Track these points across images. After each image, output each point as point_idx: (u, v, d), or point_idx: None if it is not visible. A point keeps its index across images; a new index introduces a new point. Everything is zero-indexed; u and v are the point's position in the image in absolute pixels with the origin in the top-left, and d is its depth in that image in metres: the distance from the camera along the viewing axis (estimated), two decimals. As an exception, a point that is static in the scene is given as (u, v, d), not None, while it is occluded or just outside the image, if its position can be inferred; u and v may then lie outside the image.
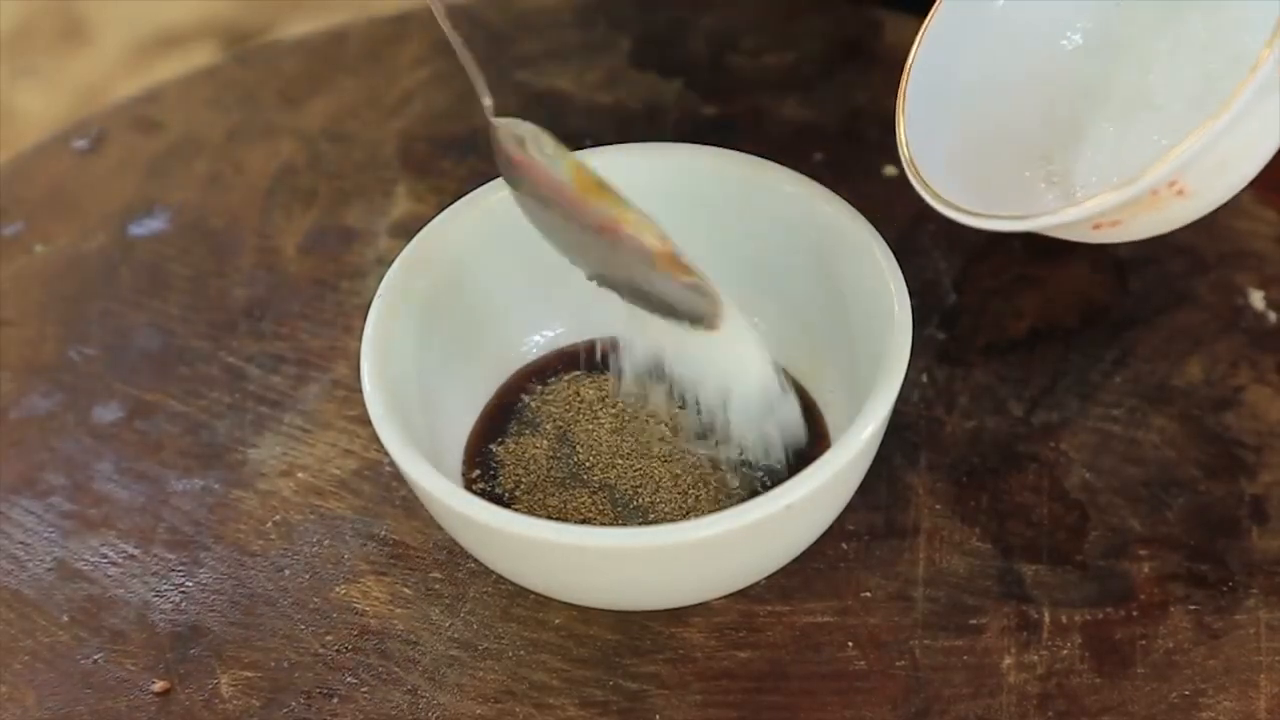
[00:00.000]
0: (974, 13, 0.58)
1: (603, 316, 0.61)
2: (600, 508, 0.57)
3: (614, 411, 0.59)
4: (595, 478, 0.58)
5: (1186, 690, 0.55)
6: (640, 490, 0.57)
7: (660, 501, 0.57)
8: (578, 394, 0.60)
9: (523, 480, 0.58)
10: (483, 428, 0.60)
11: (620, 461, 0.58)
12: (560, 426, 0.59)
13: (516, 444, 0.59)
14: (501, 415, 0.60)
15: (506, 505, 0.56)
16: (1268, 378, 0.63)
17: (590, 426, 0.59)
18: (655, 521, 0.56)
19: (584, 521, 0.56)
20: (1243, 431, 0.62)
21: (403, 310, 0.57)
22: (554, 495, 0.57)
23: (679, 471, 0.57)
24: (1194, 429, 0.62)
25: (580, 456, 0.58)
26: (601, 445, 0.58)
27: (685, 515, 0.56)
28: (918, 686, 0.55)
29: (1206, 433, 0.62)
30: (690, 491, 0.57)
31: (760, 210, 0.60)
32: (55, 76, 1.43)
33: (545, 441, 0.59)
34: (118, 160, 0.75)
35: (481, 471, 0.58)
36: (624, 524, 0.56)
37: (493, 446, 0.59)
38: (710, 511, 0.55)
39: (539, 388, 0.61)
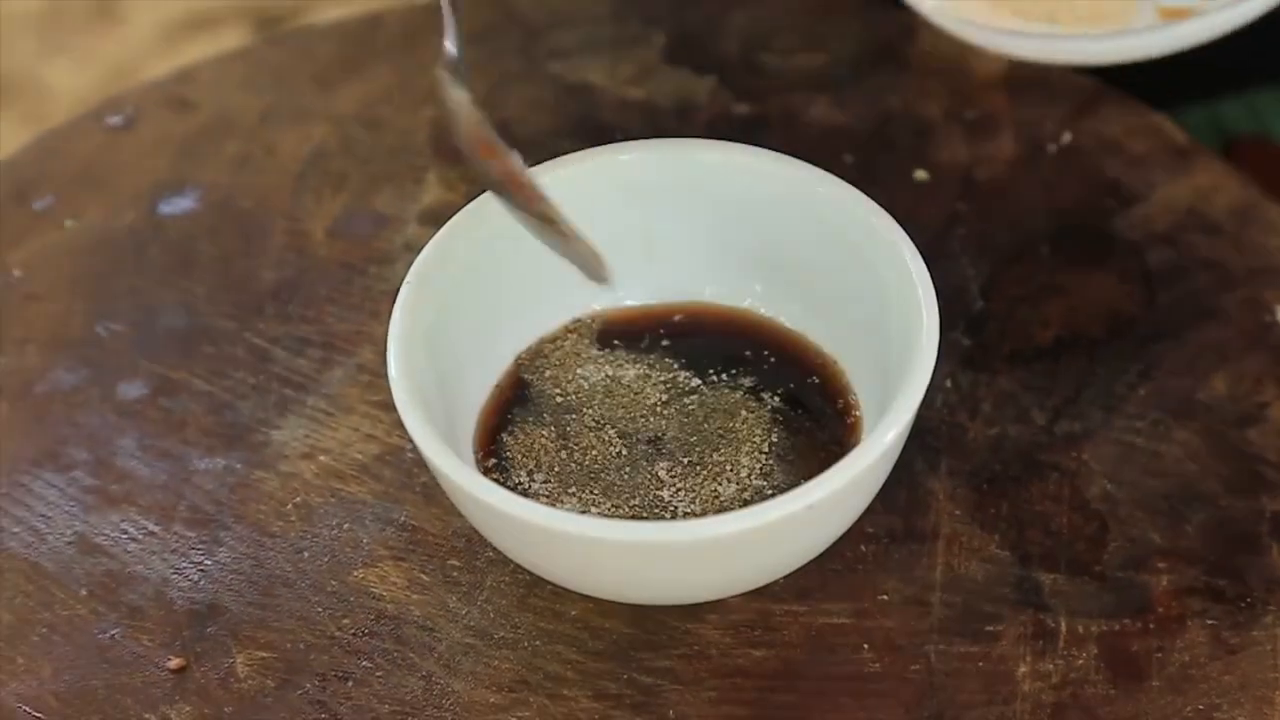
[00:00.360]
0: None
1: (628, 309, 0.62)
2: (620, 501, 0.57)
3: (638, 403, 0.59)
4: (615, 471, 0.58)
5: (1201, 705, 0.55)
6: (663, 485, 0.57)
7: (681, 495, 0.57)
8: (600, 385, 0.60)
9: (541, 470, 0.58)
10: (503, 416, 0.60)
11: (643, 455, 0.58)
12: (581, 417, 0.59)
13: (536, 433, 0.59)
14: (523, 404, 0.60)
15: (525, 494, 0.56)
16: (1292, 395, 0.63)
17: (612, 418, 0.59)
18: (676, 517, 0.56)
19: (603, 515, 0.56)
20: (1266, 448, 0.61)
21: (430, 298, 0.57)
22: (572, 486, 0.57)
23: (701, 465, 0.57)
24: (1217, 444, 0.62)
25: (600, 448, 0.58)
26: (622, 438, 0.58)
27: (705, 511, 0.56)
28: (932, 691, 0.55)
29: (1229, 448, 0.61)
30: (709, 485, 0.57)
31: (791, 210, 0.60)
32: (86, 54, 1.44)
33: (565, 432, 0.59)
34: (150, 139, 0.75)
35: (498, 460, 0.58)
36: (645, 518, 0.56)
37: (511, 436, 0.59)
38: (731, 509, 0.55)
39: (561, 378, 0.61)
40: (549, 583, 0.57)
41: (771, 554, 0.54)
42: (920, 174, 0.71)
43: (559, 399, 0.60)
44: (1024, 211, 0.70)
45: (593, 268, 0.57)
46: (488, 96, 0.75)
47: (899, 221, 0.58)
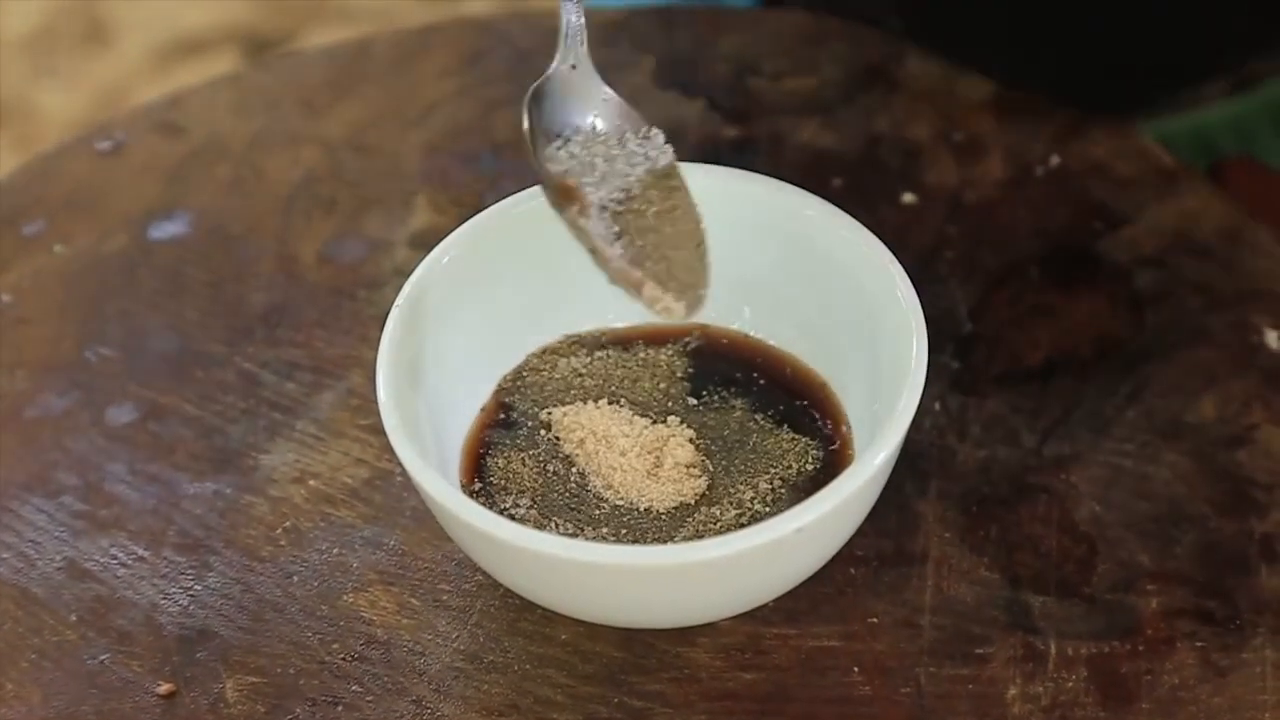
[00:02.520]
0: None
1: (615, 336, 0.62)
2: (609, 526, 0.57)
3: (623, 430, 0.59)
4: (603, 495, 0.58)
5: (1191, 727, 0.55)
6: (649, 509, 0.57)
7: (671, 518, 0.57)
8: (589, 408, 0.60)
9: (528, 493, 0.58)
10: (492, 440, 0.60)
11: (630, 480, 0.58)
12: (570, 440, 0.59)
13: (524, 457, 0.59)
14: (512, 428, 0.60)
15: (514, 518, 0.56)
16: (1280, 417, 0.63)
17: (598, 444, 0.59)
18: (666, 540, 0.56)
19: (593, 538, 0.56)
20: (1255, 470, 0.62)
21: (419, 322, 0.57)
22: (560, 509, 0.57)
23: (689, 491, 0.57)
24: (1206, 466, 0.62)
25: (589, 474, 0.58)
26: (612, 464, 0.58)
27: (697, 534, 0.56)
28: (922, 714, 0.55)
29: (1218, 470, 0.62)
30: (701, 508, 0.57)
31: (780, 233, 0.60)
32: (77, 79, 1.44)
33: (553, 455, 0.59)
34: (140, 163, 0.75)
35: (486, 483, 0.58)
36: (633, 542, 0.56)
37: (499, 459, 0.59)
38: (724, 531, 0.55)
39: (549, 401, 0.61)
40: (539, 607, 0.57)
41: (761, 577, 0.54)
42: (908, 197, 0.71)
43: (547, 421, 0.60)
44: (1012, 234, 0.70)
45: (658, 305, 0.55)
46: (479, 121, 0.75)
47: (887, 244, 0.58)
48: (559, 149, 0.56)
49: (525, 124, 0.55)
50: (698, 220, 0.56)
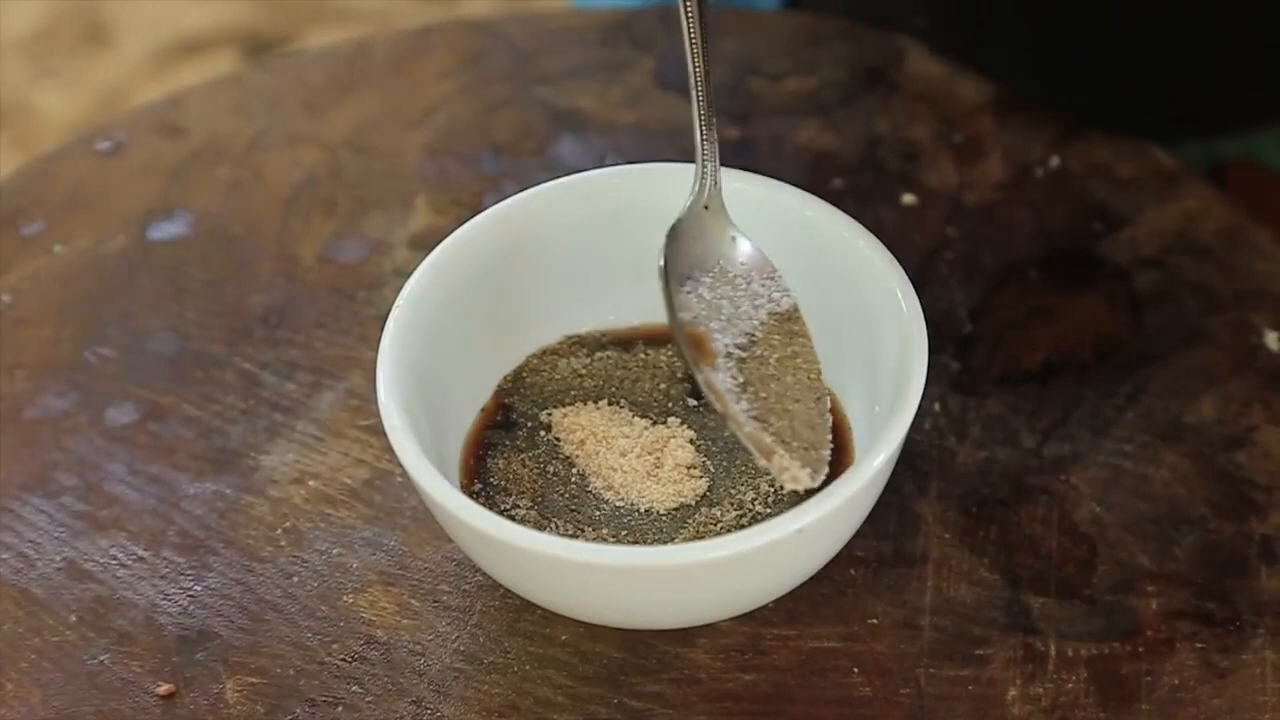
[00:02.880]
0: None
1: (615, 336, 0.62)
2: (609, 527, 0.57)
3: (623, 431, 0.59)
4: (603, 496, 0.58)
5: (1191, 728, 0.55)
6: (650, 509, 0.57)
7: (673, 519, 0.57)
8: (589, 408, 0.60)
9: (529, 494, 0.58)
10: (492, 440, 0.60)
11: (631, 481, 0.58)
12: (570, 440, 0.59)
13: (524, 457, 0.59)
14: (511, 429, 0.60)
15: (514, 519, 0.56)
16: (1280, 418, 0.63)
17: (598, 445, 0.59)
18: (667, 540, 0.56)
19: (593, 539, 0.56)
20: (1254, 471, 0.62)
21: (419, 322, 0.57)
22: (561, 510, 0.57)
23: (690, 492, 0.57)
24: (1205, 467, 0.62)
25: (589, 475, 0.58)
26: (613, 465, 0.58)
27: (698, 535, 0.56)
28: (922, 715, 0.55)
29: (1218, 471, 0.62)
30: (702, 509, 0.57)
31: (780, 234, 0.60)
32: (77, 79, 1.44)
33: (553, 455, 0.59)
34: (139, 164, 0.75)
35: (487, 484, 0.58)
36: (633, 543, 0.56)
37: (499, 460, 0.59)
38: (725, 533, 0.55)
39: (549, 401, 0.61)
40: (539, 607, 0.57)
41: (761, 578, 0.54)
42: (908, 198, 0.71)
43: (547, 422, 0.60)
44: (1012, 235, 0.70)
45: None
46: (479, 122, 0.75)
47: (887, 245, 0.58)
48: (689, 293, 0.56)
49: (661, 262, 0.55)
50: (818, 370, 0.56)
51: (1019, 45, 0.78)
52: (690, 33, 0.57)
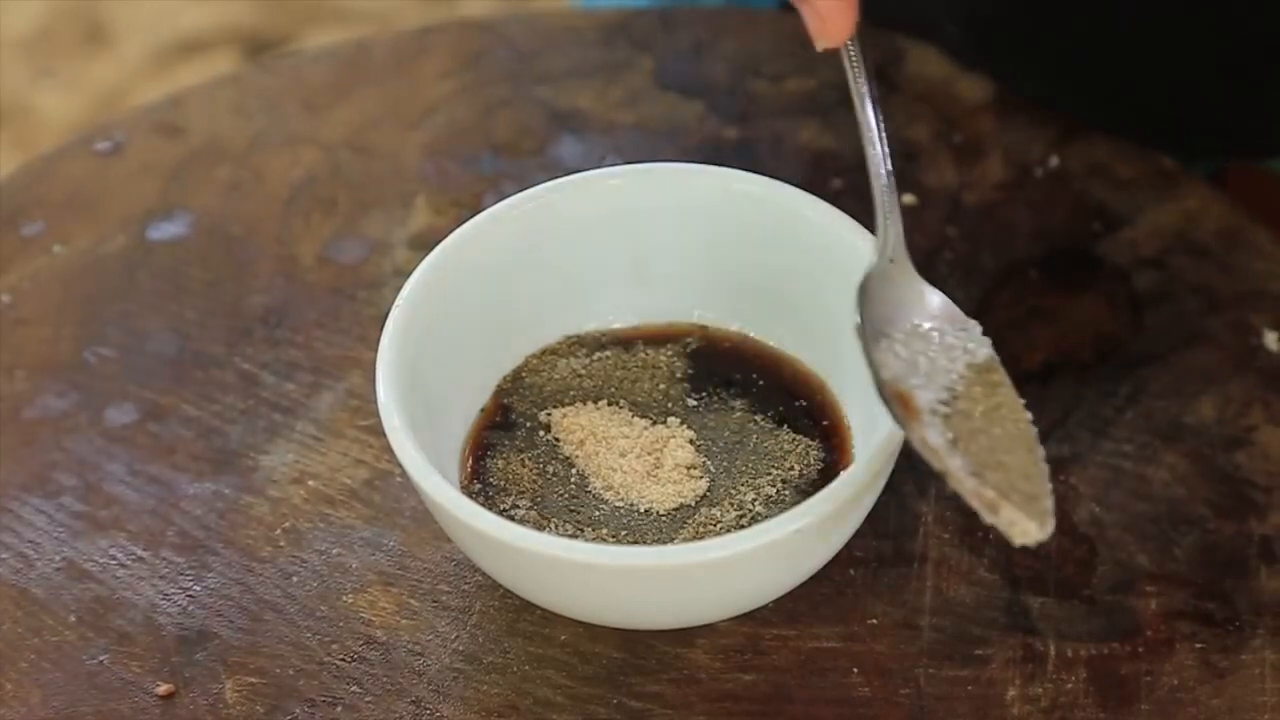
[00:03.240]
0: None
1: (615, 336, 0.62)
2: (609, 527, 0.57)
3: (623, 431, 0.59)
4: (603, 496, 0.58)
5: (1190, 728, 0.55)
6: (649, 510, 0.57)
7: (672, 519, 0.57)
8: (588, 409, 0.60)
9: (528, 494, 0.58)
10: (491, 440, 0.60)
11: (630, 481, 0.58)
12: (569, 441, 0.59)
13: (524, 458, 0.59)
14: (510, 429, 0.60)
15: (513, 519, 0.56)
16: (1280, 418, 0.63)
17: (598, 445, 0.59)
18: (667, 541, 0.56)
19: (592, 539, 0.56)
20: (1254, 471, 0.62)
21: (418, 323, 0.57)
22: (560, 510, 0.57)
23: (689, 492, 0.57)
24: (1205, 467, 0.62)
25: (588, 475, 0.58)
26: (612, 465, 0.58)
27: (697, 535, 0.56)
28: (921, 715, 0.55)
29: (1217, 471, 0.62)
30: (701, 509, 0.57)
31: (779, 234, 0.60)
32: (76, 80, 1.44)
33: (552, 456, 0.59)
34: (139, 164, 0.75)
35: (486, 484, 0.58)
36: (633, 543, 0.56)
37: (499, 460, 0.59)
38: (723, 533, 0.55)
39: (548, 401, 0.61)
40: (538, 607, 0.57)
41: (761, 578, 0.54)
42: (908, 198, 0.71)
43: (547, 422, 0.60)
44: (1012, 235, 0.70)
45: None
46: (478, 122, 0.75)
47: (887, 246, 0.58)
48: (885, 350, 0.54)
49: (857, 319, 0.54)
50: (1026, 419, 0.54)
51: (1080, 79, 0.77)
52: (859, 84, 0.57)
